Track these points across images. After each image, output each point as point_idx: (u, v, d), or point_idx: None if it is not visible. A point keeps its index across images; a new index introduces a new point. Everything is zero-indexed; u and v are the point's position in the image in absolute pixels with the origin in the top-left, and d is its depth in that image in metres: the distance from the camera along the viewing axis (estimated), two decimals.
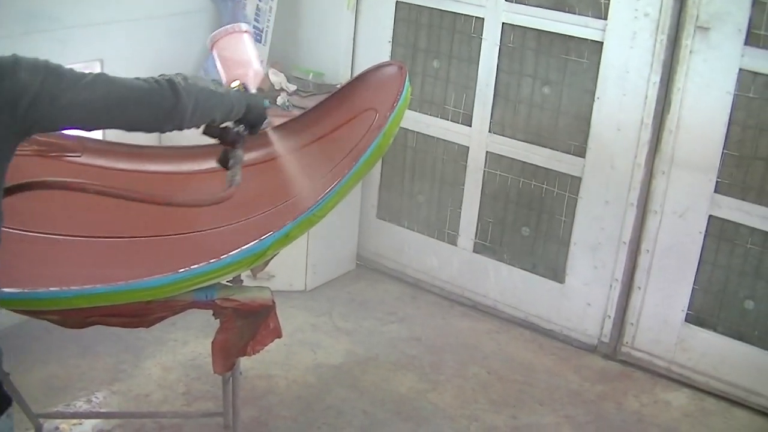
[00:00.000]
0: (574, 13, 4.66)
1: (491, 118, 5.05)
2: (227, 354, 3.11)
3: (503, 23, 4.88)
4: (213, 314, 3.05)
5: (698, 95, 4.39)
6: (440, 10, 5.11)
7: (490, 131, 5.07)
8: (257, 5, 5.32)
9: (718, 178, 4.43)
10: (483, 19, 4.95)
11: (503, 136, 5.04)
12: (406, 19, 5.27)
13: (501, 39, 4.92)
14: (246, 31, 3.32)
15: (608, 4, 4.53)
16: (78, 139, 3.52)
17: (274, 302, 3.04)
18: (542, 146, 4.92)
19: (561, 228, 4.96)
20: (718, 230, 4.51)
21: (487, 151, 5.10)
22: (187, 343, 4.75)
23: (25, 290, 2.72)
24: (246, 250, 2.83)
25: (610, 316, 4.89)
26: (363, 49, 5.47)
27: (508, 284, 5.22)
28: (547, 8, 4.73)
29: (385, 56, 5.32)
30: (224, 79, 3.21)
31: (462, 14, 5.03)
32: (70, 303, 2.76)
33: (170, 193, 3.05)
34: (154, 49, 5.13)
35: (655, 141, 4.56)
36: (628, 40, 4.51)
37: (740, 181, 4.40)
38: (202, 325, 4.62)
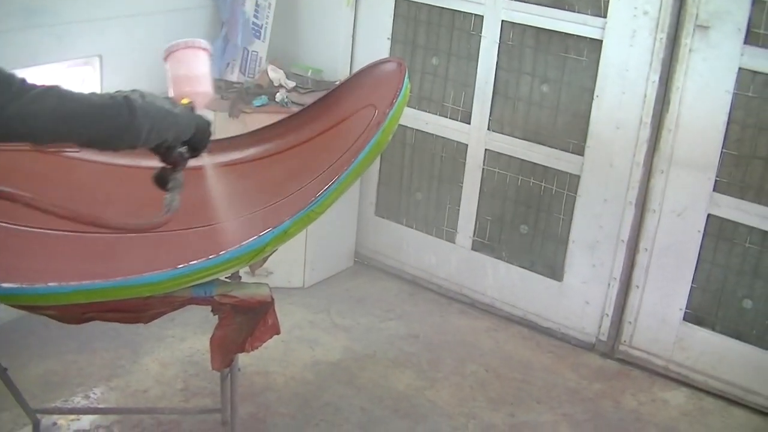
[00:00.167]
0: (574, 11, 4.66)
1: (490, 116, 5.05)
2: (226, 350, 3.11)
3: (502, 21, 4.88)
4: (211, 310, 3.05)
5: (697, 94, 4.39)
6: (439, 7, 5.10)
7: (489, 129, 5.07)
8: (256, 1, 5.31)
9: (717, 177, 4.42)
10: (482, 16, 4.95)
11: (502, 133, 5.04)
12: (406, 15, 5.26)
13: (500, 36, 4.92)
14: (205, 49, 3.23)
15: (608, 2, 4.52)
16: None
17: (272, 299, 3.04)
18: (541, 144, 4.92)
19: (559, 226, 4.96)
20: (716, 229, 4.51)
21: (485, 149, 5.10)
22: (185, 339, 4.75)
23: (23, 285, 2.71)
24: (245, 246, 2.83)
25: (608, 315, 4.89)
26: (362, 45, 5.47)
27: (506, 282, 5.22)
28: (546, 6, 4.73)
29: (384, 53, 5.32)
30: (172, 94, 3.07)
31: (461, 11, 5.03)
32: (68, 298, 2.76)
33: (99, 214, 2.95)
34: (152, 46, 5.04)
35: (654, 140, 4.56)
36: (628, 39, 4.50)
37: (739, 180, 4.40)
38: (201, 322, 4.62)
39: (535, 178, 4.97)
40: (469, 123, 5.14)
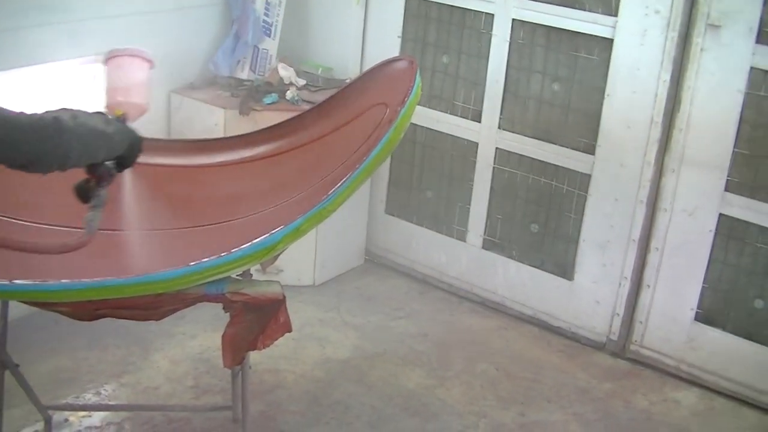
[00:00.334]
0: (584, 10, 4.65)
1: (501, 115, 5.04)
2: (237, 348, 3.11)
3: (513, 19, 4.88)
4: (223, 308, 3.05)
5: (709, 93, 4.37)
6: (450, 5, 5.10)
7: (499, 127, 5.07)
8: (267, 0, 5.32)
9: (728, 176, 4.41)
10: (493, 15, 4.94)
11: (512, 132, 5.03)
12: (416, 14, 5.26)
13: (511, 35, 4.91)
14: (148, 60, 3.14)
15: (618, 1, 4.51)
16: None
17: (284, 296, 3.03)
18: (552, 143, 4.91)
19: (570, 225, 4.96)
20: (728, 229, 4.50)
21: (496, 148, 5.10)
22: (196, 336, 4.75)
23: (36, 282, 2.71)
24: (257, 243, 2.82)
25: (618, 314, 4.88)
26: (372, 44, 5.47)
27: (516, 281, 5.22)
28: (557, 5, 4.72)
29: (394, 51, 5.31)
30: (105, 101, 3.02)
31: (472, 10, 5.03)
32: (80, 295, 2.76)
33: (10, 234, 2.88)
34: (163, 43, 5.11)
35: (665, 139, 4.55)
36: (639, 38, 4.49)
37: (750, 179, 4.38)
38: (211, 319, 4.62)
39: (545, 177, 4.97)
40: (479, 121, 5.13)
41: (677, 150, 4.51)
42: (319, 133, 3.51)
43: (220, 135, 4.82)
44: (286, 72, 5.27)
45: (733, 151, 4.37)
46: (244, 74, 5.31)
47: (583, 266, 4.96)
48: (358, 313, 5.18)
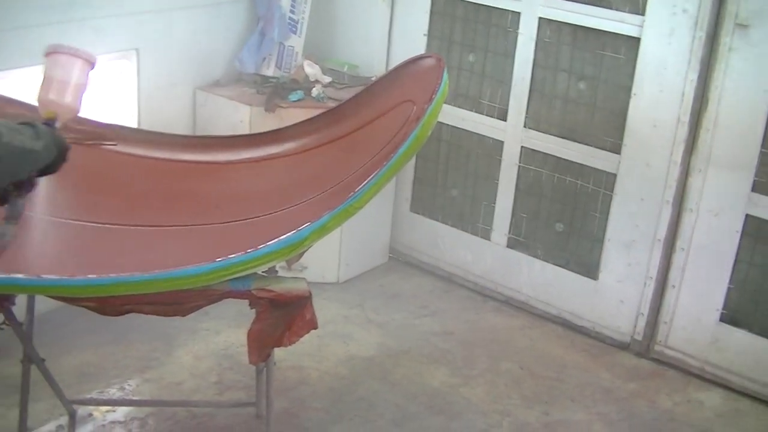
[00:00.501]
0: (611, 9, 4.63)
1: (526, 113, 5.03)
2: (262, 344, 3.11)
3: (539, 18, 4.86)
4: (249, 304, 3.06)
5: (736, 93, 4.35)
6: (476, 3, 5.09)
7: (525, 126, 5.06)
8: None
9: (755, 176, 4.39)
10: (519, 13, 4.93)
11: (538, 131, 5.02)
12: (442, 12, 5.25)
13: (537, 33, 4.90)
14: (91, 63, 3.02)
15: None
16: (114, 127, 3.54)
17: (310, 293, 3.04)
18: (577, 142, 4.90)
19: (595, 224, 4.94)
20: (754, 229, 4.47)
21: (521, 146, 5.09)
22: (220, 332, 4.76)
23: (64, 277, 2.73)
24: (283, 240, 2.83)
25: (643, 314, 4.86)
26: (398, 41, 5.46)
27: (541, 280, 5.21)
28: (584, 3, 4.71)
29: (420, 49, 5.31)
30: (38, 96, 2.92)
31: (498, 8, 5.02)
32: (107, 290, 2.78)
33: None
34: (189, 40, 5.14)
35: (691, 139, 4.53)
36: (666, 37, 4.48)
37: None
38: (235, 315, 4.63)
39: (571, 176, 4.95)
40: (505, 120, 5.12)
41: (704, 150, 4.49)
42: (346, 130, 3.51)
43: (246, 132, 4.82)
44: (311, 69, 5.27)
45: (761, 152, 4.34)
46: (270, 71, 5.31)
47: (607, 266, 4.94)
48: (382, 311, 5.18)
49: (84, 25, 4.54)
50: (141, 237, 3.14)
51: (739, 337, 4.61)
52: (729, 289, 4.58)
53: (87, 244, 3.10)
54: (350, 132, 3.50)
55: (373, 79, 4.99)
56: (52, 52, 2.98)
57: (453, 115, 5.28)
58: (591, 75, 4.80)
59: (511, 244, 5.29)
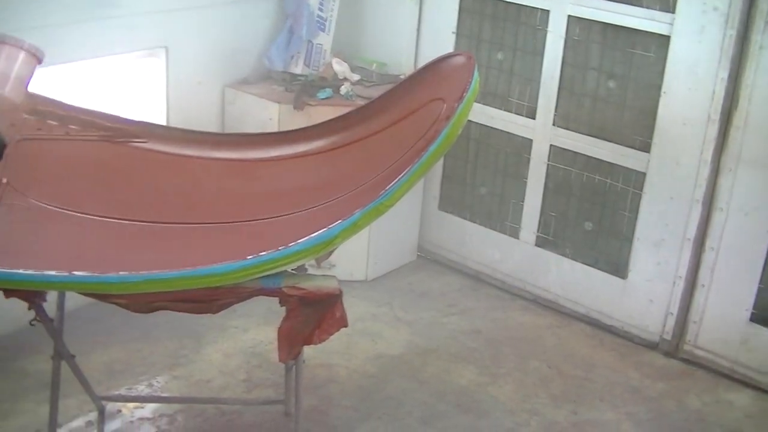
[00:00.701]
0: (641, 6, 4.62)
1: (555, 111, 5.02)
2: (293, 342, 3.12)
3: (569, 15, 4.85)
4: (279, 302, 3.06)
5: None
6: (505, 1, 5.08)
7: (554, 124, 5.04)
8: None
9: None
10: (548, 11, 4.92)
11: (567, 129, 5.01)
12: (471, 9, 5.25)
13: (566, 31, 4.89)
14: (37, 58, 3.01)
15: None
16: (144, 125, 3.54)
17: (340, 291, 3.04)
18: (606, 140, 4.89)
19: (624, 223, 4.92)
20: None
21: (550, 145, 5.08)
22: (248, 330, 4.77)
23: (95, 274, 2.74)
24: (314, 238, 2.83)
25: (672, 314, 4.84)
26: (426, 39, 5.46)
27: (569, 279, 5.19)
28: (613, 1, 4.69)
29: (448, 47, 5.31)
30: None
31: (527, 6, 5.01)
32: (138, 287, 2.79)
33: None
34: (218, 37, 5.15)
35: (722, 137, 4.50)
36: (696, 35, 4.45)
37: None
38: (264, 313, 4.64)
39: (600, 175, 4.94)
40: (534, 118, 5.11)
41: (735, 148, 4.46)
42: (376, 128, 3.50)
43: (275, 129, 4.83)
44: (340, 67, 5.28)
45: None
46: (299, 69, 5.32)
47: (637, 265, 4.92)
48: (411, 309, 5.18)
49: (113, 23, 4.57)
50: (172, 234, 3.15)
51: None
52: (759, 289, 4.56)
53: (118, 241, 3.10)
54: (380, 130, 3.50)
55: (402, 77, 4.99)
56: None
57: (482, 113, 5.27)
58: (620, 73, 4.78)
59: (540, 243, 5.28)
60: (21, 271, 2.72)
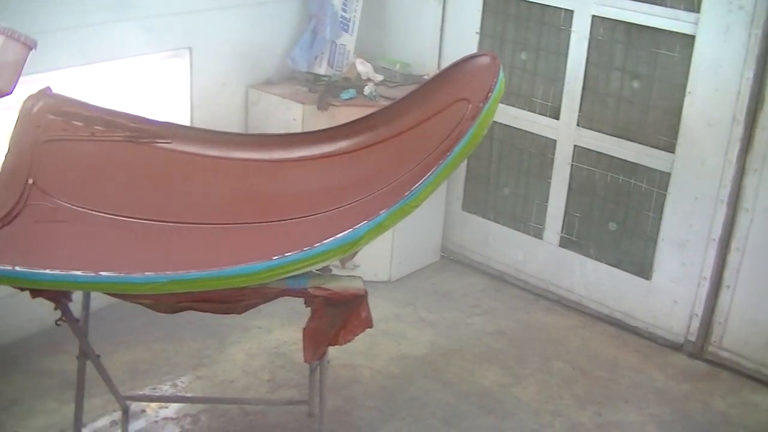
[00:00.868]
0: (666, 6, 4.60)
1: (579, 112, 5.01)
2: (318, 342, 3.12)
3: (593, 15, 4.84)
4: (304, 302, 3.06)
5: None
6: (529, 1, 5.08)
7: (578, 125, 5.03)
8: None
9: None
10: (572, 11, 4.91)
11: (591, 129, 4.99)
12: (494, 10, 5.24)
13: (590, 32, 4.87)
14: (29, 47, 2.97)
15: None
16: (168, 125, 3.55)
17: (366, 292, 3.04)
18: (631, 141, 4.87)
19: (648, 224, 4.91)
20: None
21: (574, 145, 5.06)
22: (272, 330, 4.78)
23: (121, 274, 2.75)
24: (340, 238, 2.83)
25: (697, 315, 4.82)
26: (450, 39, 5.46)
27: (593, 279, 5.18)
28: (638, 1, 4.67)
29: (472, 47, 5.30)
30: None
31: (551, 6, 5.00)
32: (164, 288, 2.79)
33: None
34: (241, 38, 5.16)
35: (747, 138, 4.48)
36: (721, 34, 4.43)
37: None
38: (287, 313, 4.65)
39: (624, 175, 4.92)
40: (557, 119, 5.10)
41: (760, 149, 4.44)
42: (401, 129, 3.50)
43: (298, 130, 4.84)
44: (363, 67, 5.28)
45: None
46: (322, 69, 5.32)
47: (661, 265, 4.90)
48: (434, 310, 5.17)
49: (137, 24, 4.59)
50: (196, 235, 3.15)
51: None
52: None
53: (143, 241, 3.11)
54: (404, 131, 3.49)
55: (426, 77, 4.99)
56: None
57: (505, 114, 5.26)
58: (645, 73, 4.77)
59: (564, 243, 5.27)
60: (47, 271, 2.73)
